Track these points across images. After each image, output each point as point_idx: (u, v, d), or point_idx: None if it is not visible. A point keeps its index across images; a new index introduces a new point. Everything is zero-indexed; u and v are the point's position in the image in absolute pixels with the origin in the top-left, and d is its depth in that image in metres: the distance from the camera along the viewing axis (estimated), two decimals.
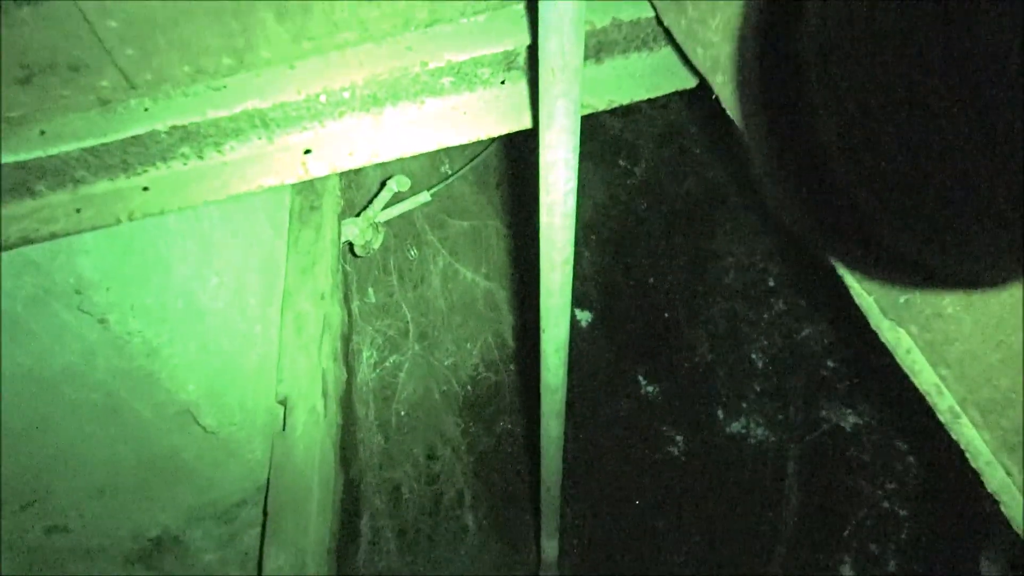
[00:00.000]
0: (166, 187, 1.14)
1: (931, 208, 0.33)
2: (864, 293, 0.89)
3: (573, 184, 1.00)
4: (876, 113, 0.32)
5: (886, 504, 2.38)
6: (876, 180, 0.34)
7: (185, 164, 1.13)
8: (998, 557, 2.15)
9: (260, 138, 1.12)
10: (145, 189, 1.13)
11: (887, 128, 0.31)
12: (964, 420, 0.90)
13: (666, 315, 2.81)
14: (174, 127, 1.07)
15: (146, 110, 1.07)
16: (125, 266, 1.67)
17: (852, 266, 0.87)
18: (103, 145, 1.08)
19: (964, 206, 0.30)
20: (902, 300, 0.83)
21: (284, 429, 2.37)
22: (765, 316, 2.76)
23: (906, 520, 2.35)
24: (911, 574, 2.26)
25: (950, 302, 0.82)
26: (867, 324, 0.92)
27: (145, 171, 1.13)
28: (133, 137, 1.07)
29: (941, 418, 0.91)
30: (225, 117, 1.07)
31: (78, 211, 1.14)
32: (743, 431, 2.58)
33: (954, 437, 0.91)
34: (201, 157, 1.13)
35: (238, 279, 2.22)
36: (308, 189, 2.83)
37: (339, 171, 1.13)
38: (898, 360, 0.91)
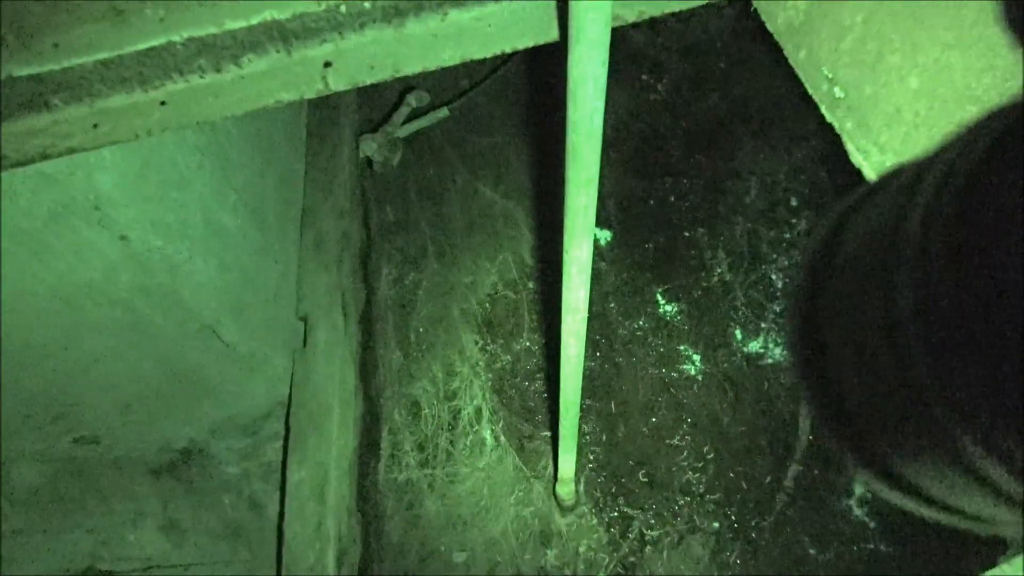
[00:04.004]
0: (183, 101, 1.11)
1: None
2: None
3: (601, 101, 0.97)
4: None
5: None
6: None
7: (202, 78, 1.10)
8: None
9: (278, 51, 1.09)
10: (163, 103, 1.11)
11: None
12: None
13: (686, 234, 2.78)
14: (190, 38, 1.04)
15: (161, 20, 1.04)
16: (144, 182, 1.67)
17: None
18: (118, 57, 1.05)
19: None
20: None
21: (305, 346, 2.40)
22: (787, 236, 2.73)
23: None
24: None
25: None
26: None
27: (162, 85, 1.11)
28: (149, 49, 1.04)
29: None
30: (242, 28, 1.04)
31: (95, 126, 1.12)
32: (761, 351, 2.58)
33: None
34: (218, 71, 1.10)
35: (257, 196, 2.21)
36: (325, 104, 2.79)
37: (360, 85, 1.10)
38: None
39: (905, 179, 0.35)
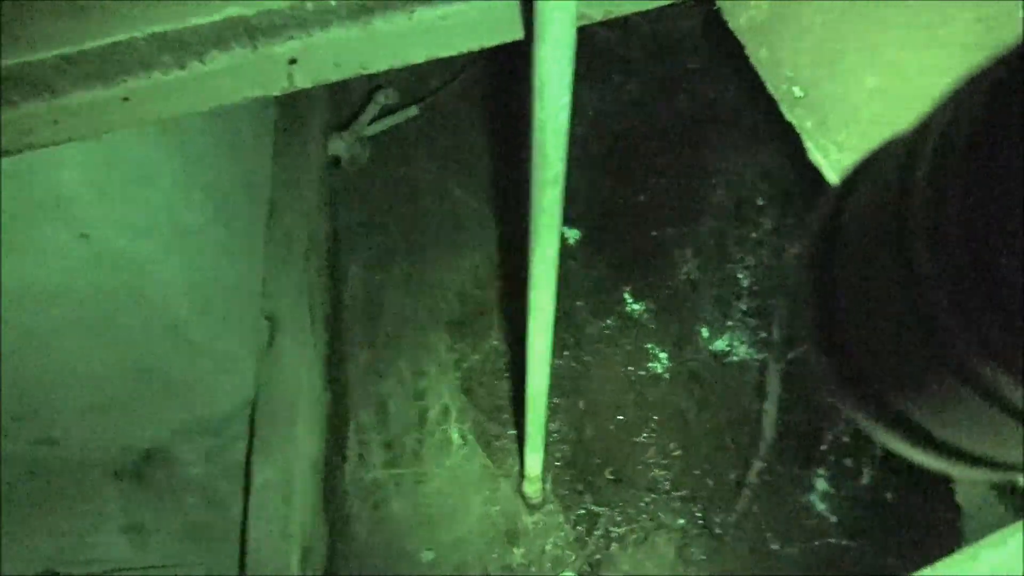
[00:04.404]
0: (146, 98, 1.10)
1: None
2: None
3: (566, 100, 0.98)
4: None
5: None
6: None
7: (166, 74, 1.09)
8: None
9: (243, 47, 1.08)
10: (125, 100, 1.10)
11: None
12: None
13: (654, 233, 2.80)
14: (153, 34, 1.03)
15: (123, 15, 1.03)
16: (107, 180, 1.64)
17: None
18: (80, 52, 1.03)
19: None
20: None
21: (271, 345, 2.38)
22: (753, 235, 2.76)
23: None
24: (885, 487, 2.33)
25: None
26: None
27: (124, 81, 1.09)
28: (110, 44, 1.03)
29: None
30: (206, 24, 1.03)
31: (55, 122, 1.10)
32: (727, 349, 2.61)
33: None
34: (182, 67, 1.09)
35: (223, 194, 2.19)
36: (293, 102, 2.76)
37: (325, 83, 1.10)
38: None
39: (912, 134, 0.36)
